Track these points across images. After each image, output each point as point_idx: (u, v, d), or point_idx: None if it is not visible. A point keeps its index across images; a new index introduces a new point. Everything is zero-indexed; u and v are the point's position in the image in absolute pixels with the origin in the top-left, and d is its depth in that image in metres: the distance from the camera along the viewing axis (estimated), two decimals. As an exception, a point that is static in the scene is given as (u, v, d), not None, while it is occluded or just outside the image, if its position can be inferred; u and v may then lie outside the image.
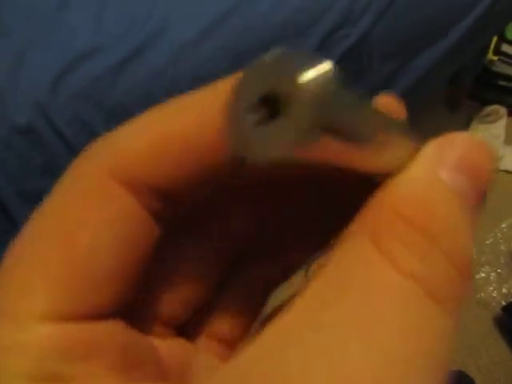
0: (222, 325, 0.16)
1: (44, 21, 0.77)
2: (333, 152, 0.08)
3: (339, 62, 0.86)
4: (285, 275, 0.16)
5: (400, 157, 0.11)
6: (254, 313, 0.16)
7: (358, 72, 0.92)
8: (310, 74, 0.07)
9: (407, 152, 0.11)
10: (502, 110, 1.38)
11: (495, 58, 1.43)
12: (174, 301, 0.15)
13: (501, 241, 1.21)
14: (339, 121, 0.08)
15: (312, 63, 0.07)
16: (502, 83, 1.42)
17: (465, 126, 1.43)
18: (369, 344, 0.08)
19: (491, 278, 1.15)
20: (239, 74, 0.08)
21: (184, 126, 0.11)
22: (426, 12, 0.91)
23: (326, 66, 0.07)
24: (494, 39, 1.38)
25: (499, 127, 1.37)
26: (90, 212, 0.11)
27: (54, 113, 0.72)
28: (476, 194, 0.11)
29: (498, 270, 1.16)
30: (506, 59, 1.42)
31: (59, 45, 0.74)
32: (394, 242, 0.09)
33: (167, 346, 0.14)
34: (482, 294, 1.12)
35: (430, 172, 0.11)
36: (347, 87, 0.08)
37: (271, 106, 0.07)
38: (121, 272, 0.11)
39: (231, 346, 0.16)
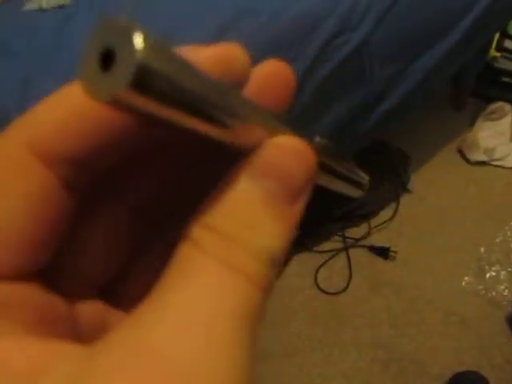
0: (138, 287, 0.17)
1: (48, 42, 0.79)
2: (157, 107, 0.10)
3: (340, 68, 0.87)
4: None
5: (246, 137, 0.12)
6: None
7: (360, 76, 0.92)
8: (136, 40, 0.09)
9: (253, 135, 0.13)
10: (507, 107, 1.37)
11: (498, 54, 1.42)
12: (95, 263, 0.16)
13: (510, 239, 1.20)
14: (162, 82, 0.09)
15: (143, 32, 0.09)
16: (506, 80, 1.41)
17: (470, 123, 1.42)
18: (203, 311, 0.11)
19: (502, 276, 1.14)
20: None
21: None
22: (424, 14, 0.91)
23: (150, 38, 0.09)
24: (496, 35, 1.37)
25: (504, 124, 1.36)
26: (4, 182, 0.12)
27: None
28: (288, 193, 0.13)
29: (509, 269, 1.15)
30: (508, 55, 1.41)
31: (64, 65, 0.76)
32: (208, 244, 0.12)
33: (88, 308, 0.15)
34: (493, 293, 1.12)
35: (237, 184, 0.13)
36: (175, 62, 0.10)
37: (111, 57, 0.09)
38: (35, 237, 0.12)
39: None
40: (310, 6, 0.83)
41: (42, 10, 0.90)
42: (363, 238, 1.26)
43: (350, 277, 1.19)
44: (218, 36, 0.77)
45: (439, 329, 1.08)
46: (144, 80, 0.09)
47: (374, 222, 1.27)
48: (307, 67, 0.83)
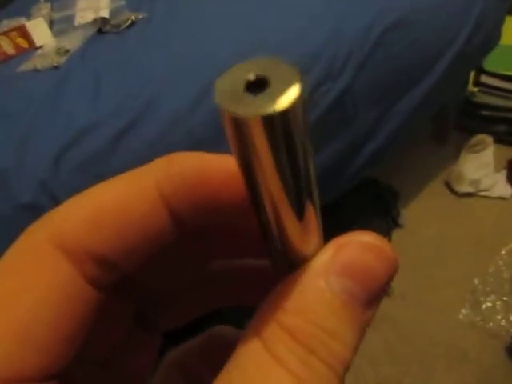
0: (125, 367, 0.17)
1: (43, 101, 0.82)
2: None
3: (326, 114, 0.91)
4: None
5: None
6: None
7: (345, 121, 0.96)
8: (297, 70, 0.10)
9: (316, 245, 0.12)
10: (488, 139, 1.41)
11: (475, 89, 1.48)
12: (98, 344, 0.16)
13: (503, 268, 1.21)
14: None
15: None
16: (485, 113, 1.46)
17: (455, 156, 1.46)
18: None
19: (497, 306, 1.15)
20: None
21: (118, 197, 0.12)
22: (402, 60, 0.96)
23: None
24: (473, 71, 1.44)
25: (488, 155, 1.40)
26: (29, 276, 0.12)
27: (56, 188, 0.75)
28: (368, 296, 0.12)
29: (504, 298, 1.16)
30: (485, 89, 1.47)
31: (59, 123, 0.78)
32: (282, 350, 0.11)
33: None
34: (491, 324, 1.12)
35: (316, 281, 0.12)
36: None
37: (262, 84, 0.10)
38: (61, 335, 0.12)
39: None
40: (294, 59, 0.87)
41: (36, 71, 0.94)
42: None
43: (348, 314, 1.19)
44: (206, 90, 0.80)
45: (441, 364, 1.08)
46: (293, 109, 0.09)
47: (369, 257, 1.28)
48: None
